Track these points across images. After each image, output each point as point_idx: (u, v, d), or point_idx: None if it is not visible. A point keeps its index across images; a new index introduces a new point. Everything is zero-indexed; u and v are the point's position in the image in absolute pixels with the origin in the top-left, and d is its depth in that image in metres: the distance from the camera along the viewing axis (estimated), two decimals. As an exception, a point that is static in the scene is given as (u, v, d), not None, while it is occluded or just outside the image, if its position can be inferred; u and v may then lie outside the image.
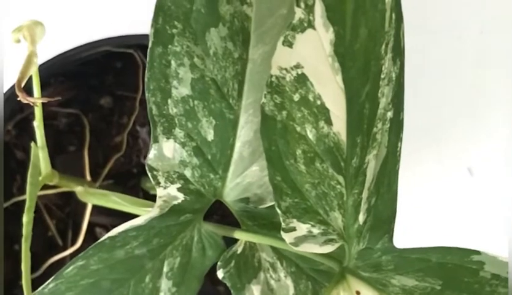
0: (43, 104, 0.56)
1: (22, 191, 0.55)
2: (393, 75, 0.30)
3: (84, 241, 0.54)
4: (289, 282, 0.38)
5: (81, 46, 0.53)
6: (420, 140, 0.66)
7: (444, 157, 0.67)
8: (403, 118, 0.31)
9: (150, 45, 0.32)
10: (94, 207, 0.53)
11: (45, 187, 0.55)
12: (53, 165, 0.45)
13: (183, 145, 0.35)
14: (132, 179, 0.55)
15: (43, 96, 0.55)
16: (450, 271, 0.31)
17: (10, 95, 0.50)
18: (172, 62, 0.32)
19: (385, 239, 0.31)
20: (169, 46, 0.32)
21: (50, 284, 0.36)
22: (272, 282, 0.38)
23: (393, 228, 0.31)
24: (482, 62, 0.66)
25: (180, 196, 0.36)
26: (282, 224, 0.31)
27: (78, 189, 0.50)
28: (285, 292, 0.38)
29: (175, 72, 0.33)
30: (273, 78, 0.29)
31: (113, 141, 0.55)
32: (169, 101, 0.33)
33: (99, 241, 0.36)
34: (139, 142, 0.55)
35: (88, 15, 0.62)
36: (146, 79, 0.33)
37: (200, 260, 0.37)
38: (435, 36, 0.65)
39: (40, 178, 0.42)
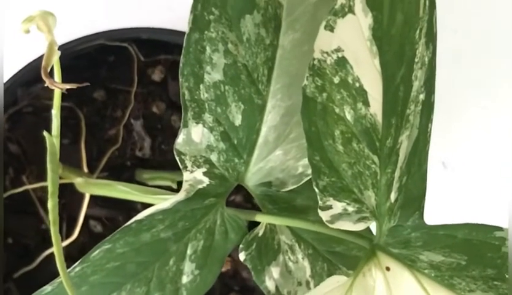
0: (38, 97, 0.56)
1: (15, 184, 0.55)
2: (426, 59, 0.31)
3: (79, 233, 0.54)
4: (306, 264, 0.40)
5: (75, 40, 0.53)
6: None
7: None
8: (433, 101, 0.32)
9: (187, 31, 0.33)
10: (89, 199, 0.53)
11: (40, 179, 0.56)
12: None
13: (211, 130, 0.36)
14: (126, 171, 0.56)
15: (37, 90, 0.55)
16: (474, 247, 0.33)
17: (6, 89, 0.50)
18: (207, 48, 0.33)
19: (416, 216, 0.33)
20: (205, 32, 0.33)
21: (76, 267, 0.37)
22: (290, 264, 0.40)
23: (423, 205, 0.33)
24: (456, 60, 0.68)
25: (206, 181, 0.37)
26: (319, 202, 0.32)
27: (78, 180, 0.50)
28: (302, 273, 0.40)
29: (209, 58, 0.34)
30: (315, 61, 0.30)
31: (107, 134, 0.56)
32: (201, 86, 0.34)
33: (126, 224, 0.37)
34: (133, 135, 0.56)
35: (81, 8, 0.62)
36: (181, 64, 0.34)
37: (222, 243, 0.38)
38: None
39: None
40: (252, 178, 0.38)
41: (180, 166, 0.36)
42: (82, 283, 0.37)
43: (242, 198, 0.54)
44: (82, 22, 0.62)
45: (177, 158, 0.36)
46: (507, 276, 0.33)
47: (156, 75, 0.56)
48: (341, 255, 0.40)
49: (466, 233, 0.33)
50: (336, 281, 0.32)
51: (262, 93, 0.35)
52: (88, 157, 0.55)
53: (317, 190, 0.32)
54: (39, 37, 0.41)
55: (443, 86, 0.68)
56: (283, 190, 0.39)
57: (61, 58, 0.55)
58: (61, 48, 0.54)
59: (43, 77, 0.35)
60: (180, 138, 0.36)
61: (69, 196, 0.55)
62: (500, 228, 0.33)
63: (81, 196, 0.53)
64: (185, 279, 0.38)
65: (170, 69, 0.56)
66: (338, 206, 0.32)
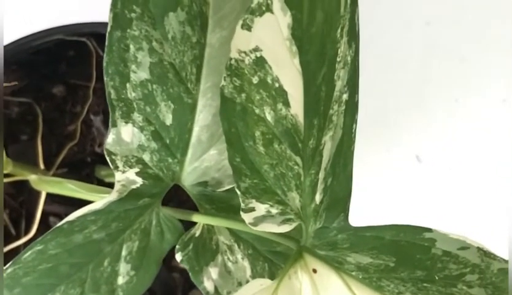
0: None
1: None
2: (349, 58, 0.31)
3: (38, 230, 0.53)
4: (246, 264, 0.39)
5: (33, 34, 0.52)
6: (369, 129, 0.68)
7: (393, 146, 0.68)
8: (357, 101, 0.32)
9: (108, 29, 0.32)
10: (48, 196, 0.53)
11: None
12: (6, 154, 0.45)
13: (141, 129, 0.35)
14: (86, 167, 0.55)
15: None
16: (403, 248, 0.32)
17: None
18: (131, 46, 0.33)
19: (341, 218, 0.32)
20: (128, 30, 0.32)
21: (7, 269, 0.36)
22: (229, 264, 0.39)
23: (348, 207, 0.32)
24: (428, 52, 0.67)
25: (139, 181, 0.36)
26: (242, 204, 0.32)
27: (32, 177, 0.50)
28: (242, 273, 0.39)
29: (134, 57, 0.33)
30: (232, 61, 0.30)
31: (66, 130, 0.55)
32: (128, 85, 0.34)
33: (57, 225, 0.36)
34: (92, 131, 0.55)
35: (40, 2, 0.62)
36: (104, 63, 0.33)
37: (158, 244, 0.38)
38: (382, 26, 0.67)
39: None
40: (188, 178, 0.37)
41: (111, 167, 0.36)
42: (15, 284, 0.36)
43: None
44: (46, 16, 0.61)
45: (108, 159, 0.35)
46: (437, 277, 0.32)
47: (116, 71, 0.55)
48: (282, 255, 0.39)
49: (394, 235, 0.32)
50: (260, 284, 0.32)
51: (192, 92, 0.35)
52: (47, 153, 0.54)
53: (238, 192, 0.31)
54: None
55: (416, 79, 0.67)
56: (220, 189, 0.38)
57: (20, 52, 0.54)
58: (19, 42, 0.53)
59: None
60: (110, 138, 0.35)
61: (27, 193, 0.55)
62: (429, 230, 0.32)
63: (40, 192, 0.53)
64: (120, 280, 0.37)
65: (129, 64, 0.55)
66: (261, 208, 0.32)
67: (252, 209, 0.32)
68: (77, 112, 0.55)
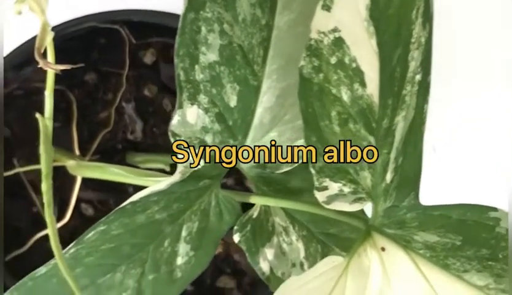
0: (28, 80, 0.56)
1: (6, 167, 0.54)
2: (423, 39, 0.31)
3: (70, 216, 0.54)
4: (300, 245, 0.40)
5: (66, 22, 0.53)
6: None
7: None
8: (430, 81, 0.32)
9: (182, 11, 0.33)
10: (82, 182, 0.53)
11: (30, 162, 0.55)
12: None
13: (206, 111, 0.35)
14: (117, 154, 0.56)
15: (27, 73, 0.55)
16: (469, 227, 0.33)
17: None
18: (203, 28, 0.33)
19: (411, 197, 0.33)
20: (201, 12, 0.33)
21: (70, 249, 0.37)
22: (284, 245, 0.40)
23: (418, 186, 0.33)
24: (445, 43, 0.68)
25: (201, 162, 0.37)
26: (315, 183, 0.32)
27: (70, 163, 0.50)
28: (296, 254, 0.40)
29: (205, 38, 0.34)
30: (312, 42, 0.30)
31: (98, 117, 0.56)
32: (196, 67, 0.34)
33: (120, 206, 0.37)
34: (124, 118, 0.55)
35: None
36: (176, 45, 0.34)
37: (217, 225, 0.38)
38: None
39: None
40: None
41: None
42: (77, 264, 0.37)
43: (233, 182, 0.54)
44: (74, 3, 0.61)
45: (172, 140, 0.36)
46: (501, 256, 0.33)
47: (148, 58, 0.55)
48: (334, 237, 0.40)
49: (461, 214, 0.33)
50: (332, 261, 0.32)
51: (257, 74, 0.35)
52: (79, 140, 0.55)
53: (313, 171, 0.32)
54: (27, 20, 0.40)
55: (433, 72, 0.68)
56: (278, 171, 0.39)
57: (53, 40, 0.54)
58: (53, 29, 0.53)
59: (37, 58, 0.35)
60: (175, 120, 0.35)
61: (60, 179, 0.55)
62: (494, 209, 0.33)
63: (72, 179, 0.53)
64: (179, 260, 0.38)
65: (162, 52, 0.55)
66: (334, 187, 0.32)
67: (325, 188, 0.32)
68: (109, 100, 0.55)
